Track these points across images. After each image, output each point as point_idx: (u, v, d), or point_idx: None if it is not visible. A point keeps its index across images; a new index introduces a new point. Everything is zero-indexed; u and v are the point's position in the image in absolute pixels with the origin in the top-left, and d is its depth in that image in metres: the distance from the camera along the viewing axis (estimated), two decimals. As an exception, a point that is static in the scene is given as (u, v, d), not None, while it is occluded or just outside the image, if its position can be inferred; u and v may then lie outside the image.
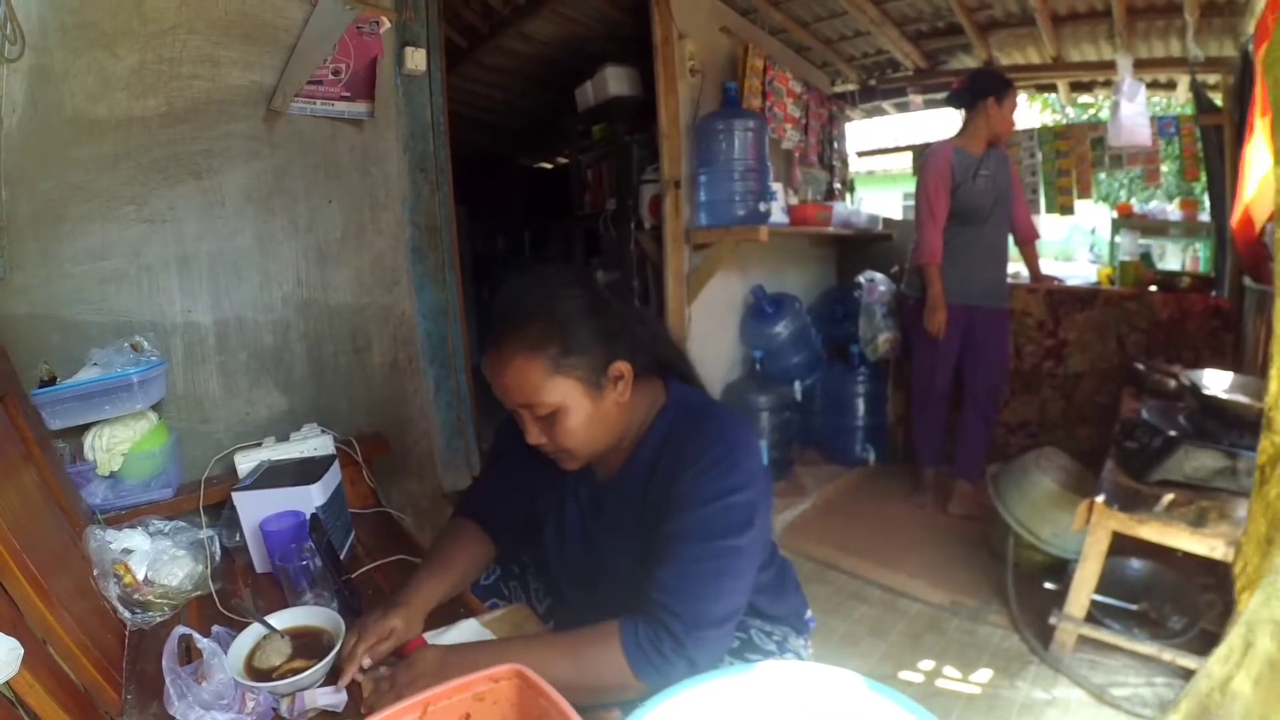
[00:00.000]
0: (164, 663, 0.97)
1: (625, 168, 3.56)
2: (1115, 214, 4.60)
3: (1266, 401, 1.34)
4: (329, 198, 2.04)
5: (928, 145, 4.79)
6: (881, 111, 4.85)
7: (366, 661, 1.05)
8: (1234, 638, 1.47)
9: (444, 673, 0.94)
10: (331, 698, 1.02)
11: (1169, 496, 1.90)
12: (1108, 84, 3.89)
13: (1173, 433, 1.97)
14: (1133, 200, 6.96)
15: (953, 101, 3.11)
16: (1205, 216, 4.02)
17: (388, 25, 2.04)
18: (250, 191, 1.89)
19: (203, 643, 1.03)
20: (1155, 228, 4.33)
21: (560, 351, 1.00)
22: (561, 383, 1.01)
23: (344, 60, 1.97)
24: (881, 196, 8.27)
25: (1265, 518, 1.37)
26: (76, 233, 1.63)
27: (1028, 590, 2.44)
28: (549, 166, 6.36)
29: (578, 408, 1.03)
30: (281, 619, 1.18)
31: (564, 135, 4.34)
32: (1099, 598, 2.13)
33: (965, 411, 3.15)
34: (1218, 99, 3.48)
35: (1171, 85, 4.00)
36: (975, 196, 2.94)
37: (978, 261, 3.02)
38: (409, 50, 2.16)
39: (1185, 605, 2.17)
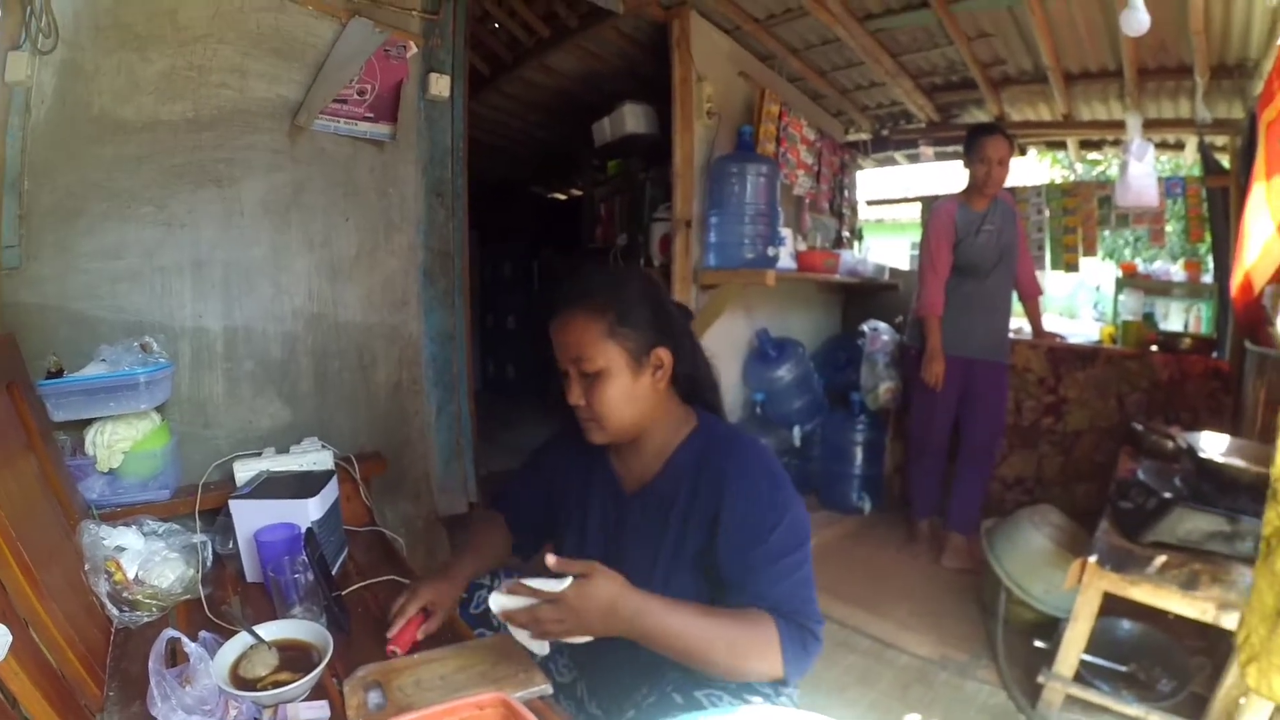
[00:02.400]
0: (150, 664, 0.97)
1: (638, 204, 3.63)
2: (1120, 273, 4.62)
3: (1272, 472, 1.34)
4: (345, 215, 2.07)
5: (936, 197, 4.87)
6: (893, 161, 4.90)
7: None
8: None
9: (610, 619, 1.02)
10: (315, 713, 1.02)
11: (1161, 558, 1.89)
12: (1116, 143, 3.93)
13: (1167, 494, 1.96)
14: (1137, 260, 6.98)
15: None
16: (1209, 278, 4.02)
17: (414, 50, 2.10)
18: (269, 203, 1.92)
19: (190, 647, 1.03)
20: (1159, 288, 4.34)
21: (616, 320, 1.15)
22: (611, 347, 1.14)
23: (370, 81, 2.02)
24: (890, 244, 8.31)
25: (1273, 590, 1.37)
26: (94, 229, 1.66)
27: (1017, 647, 2.41)
28: (562, 198, 6.40)
29: (618, 376, 1.15)
30: (269, 630, 1.17)
31: (578, 168, 4.40)
32: (1088, 658, 2.10)
33: (961, 464, 3.14)
34: (1225, 161, 3.52)
35: (1180, 146, 4.04)
36: (977, 251, 2.96)
37: (978, 315, 3.02)
38: (434, 76, 2.21)
39: (1175, 668, 2.14)
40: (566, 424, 1.30)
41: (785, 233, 3.13)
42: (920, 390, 3.13)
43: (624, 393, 1.16)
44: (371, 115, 2.05)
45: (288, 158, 1.94)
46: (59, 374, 1.51)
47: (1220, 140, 3.58)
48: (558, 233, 5.62)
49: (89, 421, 1.56)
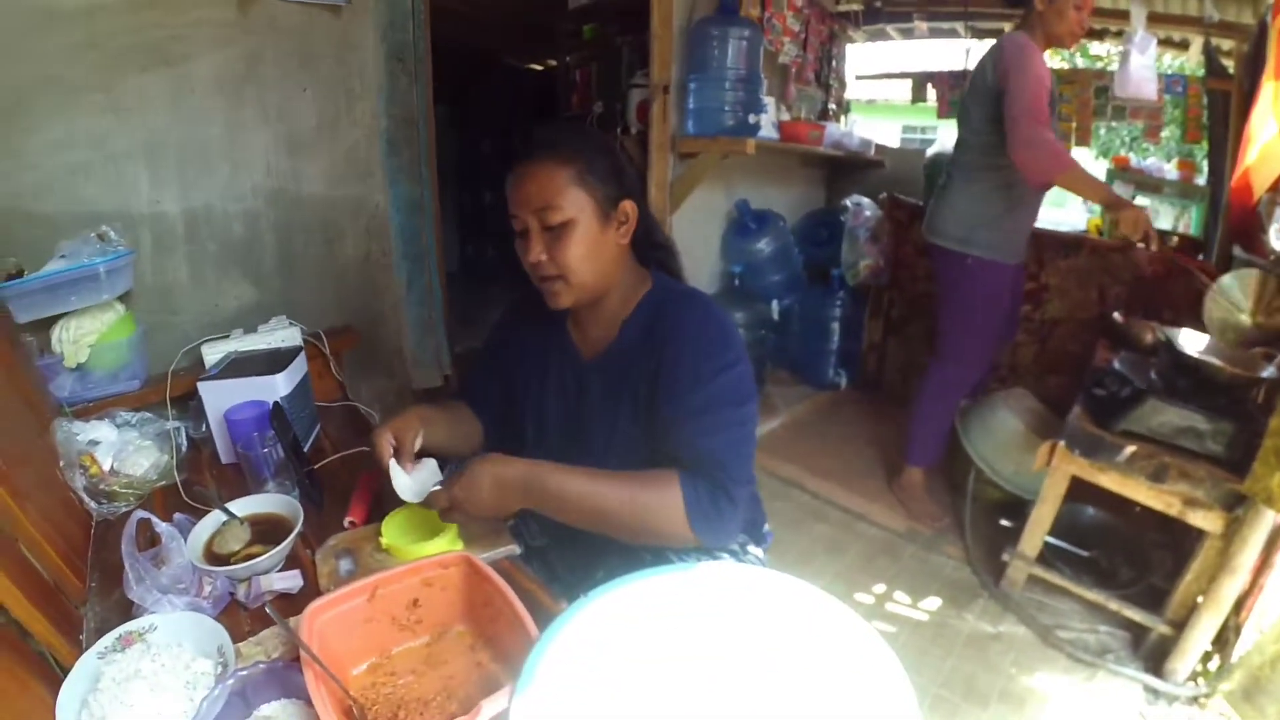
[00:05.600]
0: (123, 547, 0.97)
1: (614, 70, 3.45)
2: (1111, 165, 4.53)
3: None
4: (303, 86, 1.97)
5: (931, 74, 4.65)
6: (885, 36, 4.66)
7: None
8: None
9: (501, 493, 1.03)
10: (288, 582, 1.04)
11: (1131, 448, 1.90)
12: (1119, 34, 3.77)
13: (1141, 385, 1.96)
14: (1131, 155, 6.86)
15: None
16: (1202, 180, 3.95)
17: (370, -94, 1.95)
18: (221, 79, 1.82)
19: (161, 527, 1.04)
20: (1150, 184, 4.26)
21: (585, 168, 1.08)
22: (580, 195, 1.07)
23: (322, -58, 1.88)
24: (879, 126, 8.05)
25: None
26: (41, 124, 1.58)
27: (984, 525, 2.50)
28: (539, 69, 6.12)
29: (586, 227, 1.08)
30: (242, 506, 1.20)
31: (553, 36, 4.17)
32: (1052, 540, 2.17)
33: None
34: (1229, 65, 3.40)
35: (1185, 45, 3.90)
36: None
37: (1034, 208, 2.48)
38: (390, -67, 2.06)
39: (1136, 558, 2.23)
40: (522, 296, 1.27)
41: (768, 101, 2.98)
42: (984, 306, 2.49)
43: (591, 246, 1.09)
44: (325, -21, 1.92)
45: (238, 30, 1.82)
46: (19, 275, 1.47)
47: (1226, 45, 3.45)
48: (535, 105, 5.43)
49: (54, 320, 1.53)
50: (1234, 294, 1.90)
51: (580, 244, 1.08)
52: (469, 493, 1.03)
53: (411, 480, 1.09)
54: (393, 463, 1.09)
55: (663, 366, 1.09)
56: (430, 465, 1.14)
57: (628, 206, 1.13)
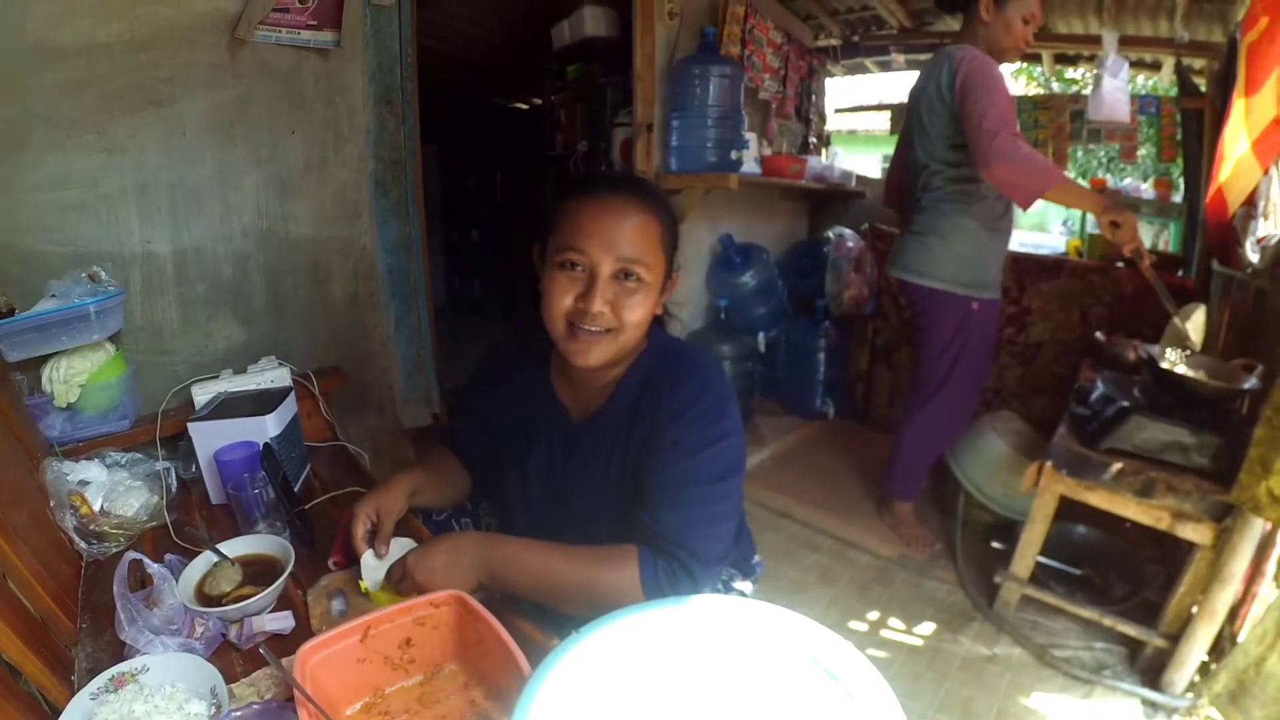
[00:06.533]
0: (115, 588, 0.97)
1: (598, 109, 3.53)
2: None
3: None
4: (292, 128, 2.00)
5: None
6: (863, 69, 4.77)
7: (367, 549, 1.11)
8: (1268, 621, 1.57)
9: (454, 568, 1.01)
10: (280, 623, 1.04)
11: (1117, 465, 1.92)
12: (1092, 58, 3.86)
13: (1125, 403, 1.97)
14: (1107, 176, 6.96)
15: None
16: (1178, 198, 4.01)
17: (358, -48, 1.99)
18: (212, 121, 1.85)
19: (153, 568, 1.04)
20: (1127, 204, 4.29)
21: (665, 233, 1.03)
22: (659, 259, 1.02)
23: (311, -13, 1.92)
24: (860, 157, 8.16)
25: None
26: (37, 162, 1.59)
27: (975, 548, 2.50)
28: (524, 107, 6.19)
29: (650, 291, 1.02)
30: (233, 547, 1.19)
31: (538, 75, 4.25)
32: (1044, 560, 2.18)
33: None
34: (1201, 84, 3.48)
35: (1157, 66, 3.99)
36: None
37: (1009, 233, 2.35)
38: (379, -21, 2.10)
39: (1128, 574, 2.24)
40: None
41: (750, 136, 3.03)
42: (986, 345, 2.44)
43: (648, 311, 1.03)
44: (314, 23, 1.95)
45: (229, 73, 1.85)
46: (10, 313, 1.47)
47: (1198, 64, 3.53)
48: (520, 143, 5.49)
49: (45, 359, 1.53)
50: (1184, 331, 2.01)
51: (642, 307, 1.02)
52: (422, 568, 1.01)
53: (379, 567, 1.10)
54: (367, 554, 1.10)
55: (651, 434, 1.05)
56: (404, 547, 1.14)
57: (677, 278, 1.10)
